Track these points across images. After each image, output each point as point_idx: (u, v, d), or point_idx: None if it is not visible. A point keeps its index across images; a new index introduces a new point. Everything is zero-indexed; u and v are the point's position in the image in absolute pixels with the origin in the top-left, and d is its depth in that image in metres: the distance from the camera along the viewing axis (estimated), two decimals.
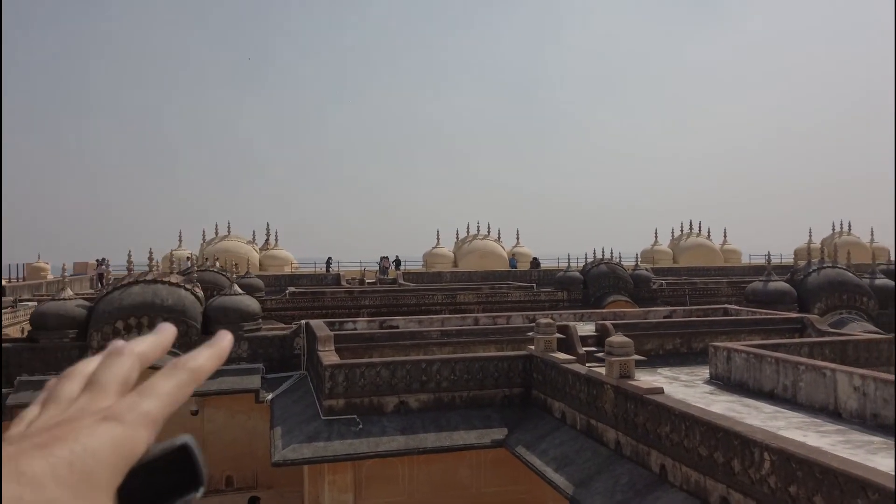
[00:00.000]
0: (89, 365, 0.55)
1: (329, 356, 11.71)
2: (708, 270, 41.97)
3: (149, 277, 15.07)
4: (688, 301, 27.30)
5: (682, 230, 48.61)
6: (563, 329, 13.79)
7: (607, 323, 13.83)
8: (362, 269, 44.99)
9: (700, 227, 47.97)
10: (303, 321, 15.23)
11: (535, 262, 44.13)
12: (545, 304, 29.24)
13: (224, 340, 0.57)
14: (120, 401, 0.50)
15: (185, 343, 14.53)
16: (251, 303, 15.72)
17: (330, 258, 45.80)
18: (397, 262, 44.11)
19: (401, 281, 37.18)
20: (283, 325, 17.15)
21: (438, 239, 47.62)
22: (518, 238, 49.81)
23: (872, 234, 45.03)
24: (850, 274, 17.69)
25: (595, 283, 29.94)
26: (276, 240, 45.37)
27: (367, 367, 10.98)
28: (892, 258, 33.06)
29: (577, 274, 30.40)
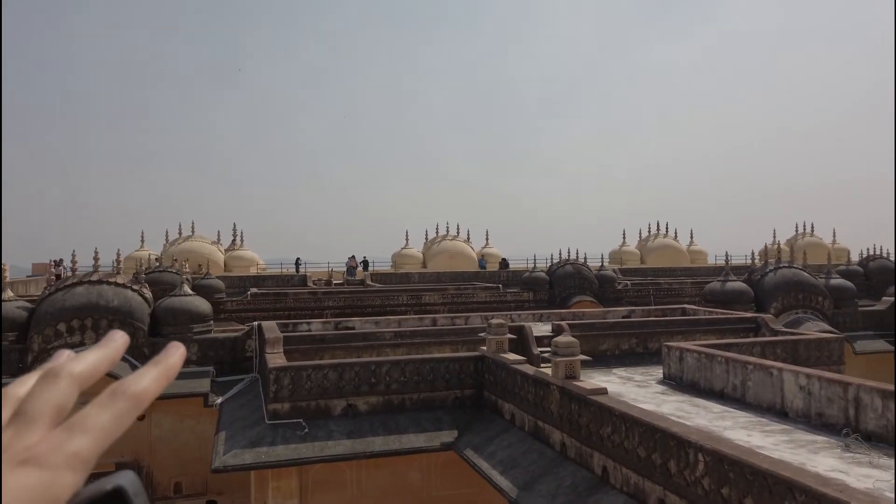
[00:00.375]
0: (22, 387, 0.48)
1: (275, 358, 11.39)
2: (674, 271, 42.34)
3: (94, 278, 14.56)
4: (652, 301, 27.43)
5: (649, 231, 49.01)
6: (519, 330, 13.65)
7: (563, 323, 13.73)
8: (330, 269, 44.53)
9: (667, 229, 48.42)
10: (255, 322, 14.86)
11: (504, 263, 44.12)
12: (511, 304, 29.19)
13: (173, 357, 0.50)
14: (46, 438, 0.44)
15: (131, 347, 14.06)
16: (201, 304, 15.29)
17: (299, 259, 45.35)
18: (365, 263, 43.75)
19: (368, 282, 36.87)
20: (239, 327, 16.76)
21: (407, 239, 47.37)
22: (487, 239, 49.76)
23: (834, 236, 45.89)
24: (806, 274, 17.86)
25: (560, 284, 29.97)
26: (242, 240, 44.68)
27: (314, 370, 10.69)
28: (852, 259, 33.62)
29: (543, 274, 30.41)
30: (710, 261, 46.69)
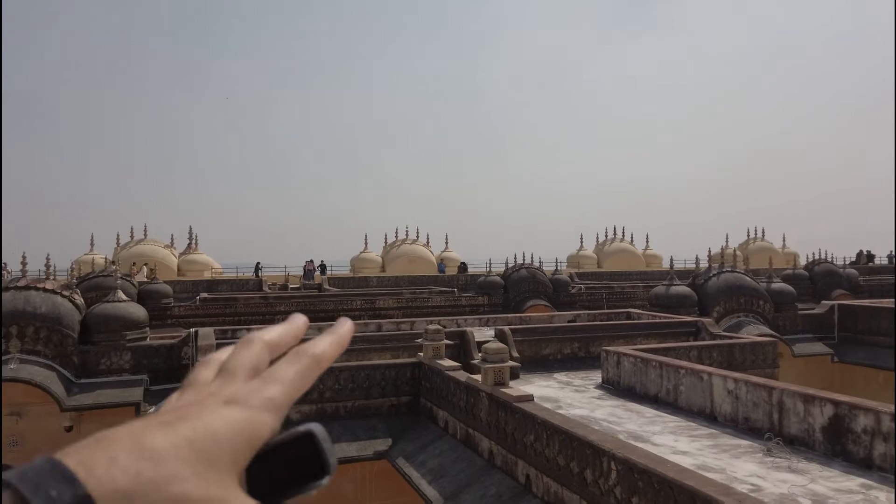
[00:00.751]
0: (222, 353, 0.56)
1: None
2: (629, 275, 42.85)
3: (21, 283, 13.96)
4: (605, 305, 27.66)
5: (606, 236, 49.56)
6: (461, 335, 13.54)
7: (506, 328, 13.65)
8: (286, 274, 43.91)
9: (623, 233, 49.01)
10: (192, 329, 14.43)
11: (463, 267, 44.10)
12: (466, 308, 29.15)
13: (343, 327, 0.58)
14: (245, 386, 0.51)
15: (58, 354, 13.53)
16: (136, 310, 14.79)
17: (259, 263, 44.71)
18: (323, 267, 43.28)
19: (326, 286, 36.44)
20: (177, 334, 16.26)
21: (366, 243, 47.02)
22: (447, 243, 49.71)
23: (784, 240, 47.06)
24: (748, 278, 18.15)
25: (515, 288, 30.02)
26: (197, 244, 43.75)
27: None
28: (800, 263, 34.42)
29: (498, 279, 30.41)
30: (665, 265, 47.50)
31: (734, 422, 9.14)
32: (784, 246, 46.01)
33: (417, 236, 46.89)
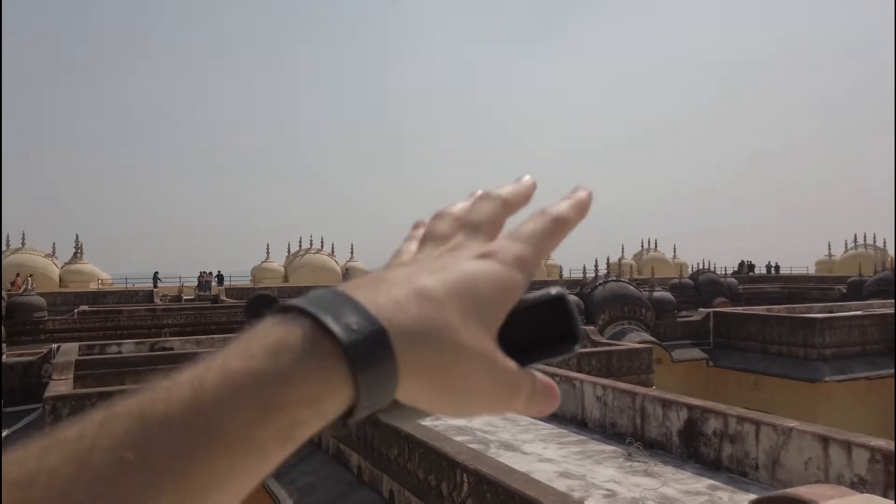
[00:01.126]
0: (456, 207, 0.52)
1: (59, 386, 10.20)
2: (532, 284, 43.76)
3: None
4: None
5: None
6: None
7: None
8: (181, 284, 41.99)
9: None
10: (54, 345, 13.38)
11: None
12: None
13: (583, 192, 0.53)
14: (494, 242, 0.48)
15: None
16: None
17: (157, 273, 42.58)
18: (220, 278, 41.69)
19: (223, 297, 35.13)
20: (37, 351, 15.02)
21: (268, 253, 45.72)
22: (352, 252, 49.12)
23: (675, 251, 49.55)
24: (632, 287, 18.90)
25: None
26: (82, 253, 41.07)
27: (98, 398, 9.63)
28: (689, 271, 36.32)
29: None
30: (566, 275, 48.93)
31: (602, 427, 9.37)
32: (675, 256, 48.42)
33: (322, 246, 46.07)
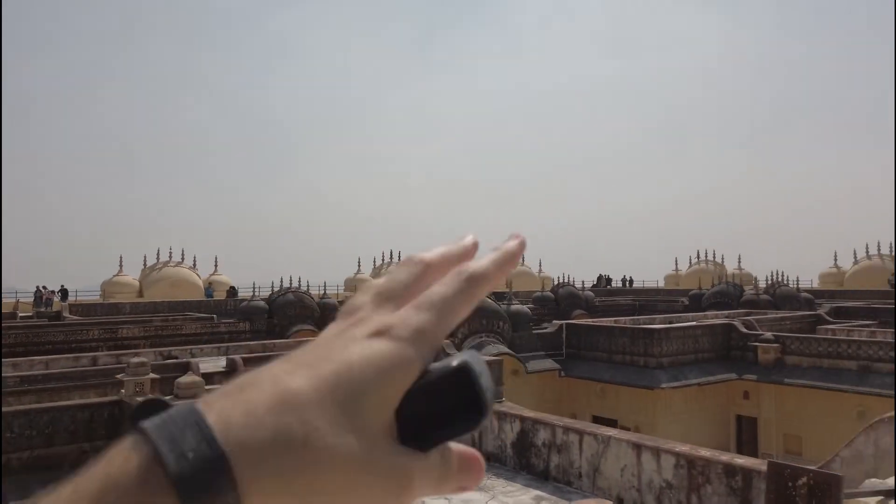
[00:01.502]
0: (382, 279, 0.49)
1: None
2: None
3: None
4: None
5: (383, 259, 50.33)
6: (185, 366, 12.39)
7: (237, 358, 12.79)
8: (16, 300, 38.00)
9: (399, 257, 50.04)
10: None
11: (232, 291, 41.77)
12: (224, 335, 27.47)
13: (511, 244, 0.49)
14: (394, 314, 0.45)
15: None
16: None
17: None
18: (64, 293, 38.13)
19: (66, 314, 32.11)
20: None
21: (121, 266, 42.47)
22: (216, 265, 46.82)
23: (541, 265, 51.58)
24: (490, 300, 19.26)
25: (281, 313, 28.93)
26: None
27: None
28: (554, 283, 37.75)
29: (262, 303, 29.11)
30: None
31: None
32: (540, 271, 50.39)
33: (183, 258, 43.49)
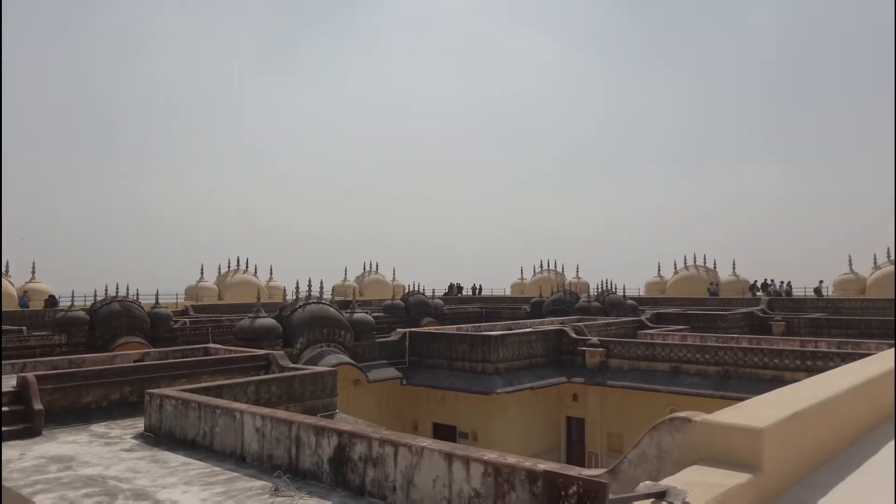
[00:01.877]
0: None
1: None
2: (251, 307, 41.86)
3: None
4: (210, 339, 26.16)
5: (229, 267, 48.04)
6: None
7: (29, 376, 11.32)
8: None
9: (247, 264, 48.10)
10: None
11: (51, 301, 37.66)
12: (36, 350, 24.70)
13: None
14: None
15: None
16: None
17: None
18: None
19: None
20: None
21: None
22: (34, 273, 42.16)
23: (395, 273, 51.60)
24: (332, 309, 18.81)
25: (104, 324, 26.50)
26: None
27: None
28: (406, 291, 37.71)
29: (83, 314, 26.48)
30: (289, 297, 47.95)
31: (260, 461, 8.77)
32: (394, 279, 50.46)
33: None
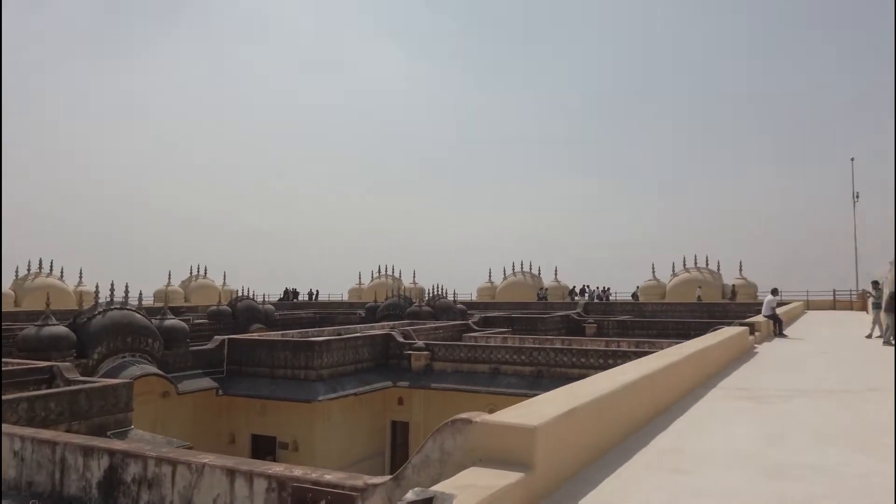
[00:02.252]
0: None
1: None
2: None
3: None
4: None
5: (28, 269, 42.96)
6: None
7: None
8: None
9: (51, 267, 43.28)
10: None
11: None
12: None
13: None
14: None
15: None
16: None
17: None
18: None
19: None
20: None
21: None
22: None
23: (225, 278, 48.86)
24: (139, 316, 17.15)
25: None
26: None
27: None
28: (239, 295, 35.57)
29: None
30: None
31: (18, 489, 7.58)
32: (224, 284, 47.77)
33: None
